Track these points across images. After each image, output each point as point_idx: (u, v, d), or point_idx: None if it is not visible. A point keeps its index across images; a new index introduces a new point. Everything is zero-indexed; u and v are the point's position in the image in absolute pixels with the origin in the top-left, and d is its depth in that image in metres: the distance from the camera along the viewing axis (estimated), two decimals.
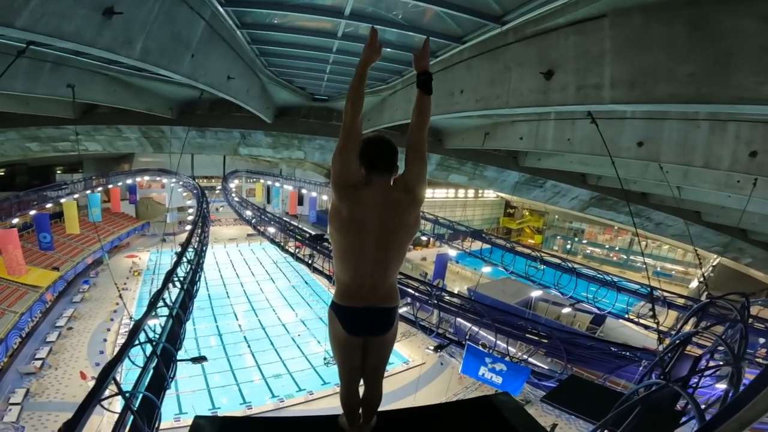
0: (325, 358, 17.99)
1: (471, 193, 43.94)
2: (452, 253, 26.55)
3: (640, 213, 20.88)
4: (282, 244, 21.70)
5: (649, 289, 13.57)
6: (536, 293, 20.52)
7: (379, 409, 2.37)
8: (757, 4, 3.96)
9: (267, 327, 21.63)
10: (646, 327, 15.33)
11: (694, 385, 5.36)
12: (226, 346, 19.40)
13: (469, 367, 10.27)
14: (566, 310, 18.48)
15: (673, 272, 36.41)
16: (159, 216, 36.33)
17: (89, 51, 6.28)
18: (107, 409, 3.94)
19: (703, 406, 4.20)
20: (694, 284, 31.67)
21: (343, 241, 1.94)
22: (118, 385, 4.08)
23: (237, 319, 22.51)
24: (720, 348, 5.91)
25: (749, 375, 5.53)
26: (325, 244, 17.20)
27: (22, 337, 17.53)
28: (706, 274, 24.45)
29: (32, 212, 22.52)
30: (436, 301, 11.87)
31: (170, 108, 19.82)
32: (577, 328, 19.05)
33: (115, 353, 5.18)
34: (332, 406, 14.27)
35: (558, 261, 19.13)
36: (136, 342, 5.32)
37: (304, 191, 35.33)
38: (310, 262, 17.99)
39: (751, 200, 11.17)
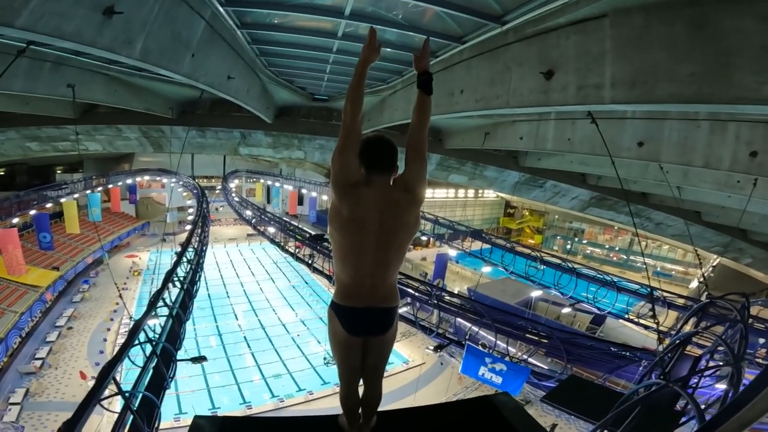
0: (325, 358, 17.98)
1: (471, 193, 43.94)
2: (452, 253, 26.54)
3: (640, 213, 20.88)
4: (282, 244, 21.70)
5: (649, 289, 13.58)
6: (536, 293, 20.51)
7: (379, 409, 2.37)
8: (757, 4, 3.96)
9: (267, 327, 21.63)
10: (646, 327, 15.32)
11: (694, 386, 5.35)
12: (226, 346, 19.40)
13: (469, 367, 10.27)
14: (566, 310, 18.48)
15: (673, 272, 36.41)
16: (159, 216, 36.33)
17: (89, 51, 6.28)
18: (107, 409, 3.94)
19: (702, 407, 4.20)
20: (694, 284, 31.68)
21: (343, 240, 1.94)
22: (117, 384, 4.08)
23: (237, 319, 22.51)
24: (720, 348, 5.91)
25: (749, 375, 5.52)
26: (325, 244, 17.20)
27: (22, 336, 17.52)
28: (706, 274, 24.44)
29: (32, 212, 22.50)
30: (436, 301, 11.86)
31: (170, 108, 19.82)
32: (577, 328, 19.04)
33: (114, 353, 5.18)
34: (332, 406, 14.27)
35: (558, 261, 19.12)
36: (136, 342, 5.32)
37: (304, 191, 35.32)
38: (310, 262, 17.99)
39: (751, 200, 11.17)
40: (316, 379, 17.08)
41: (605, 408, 4.20)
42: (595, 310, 17.71)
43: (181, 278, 9.33)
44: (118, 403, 4.33)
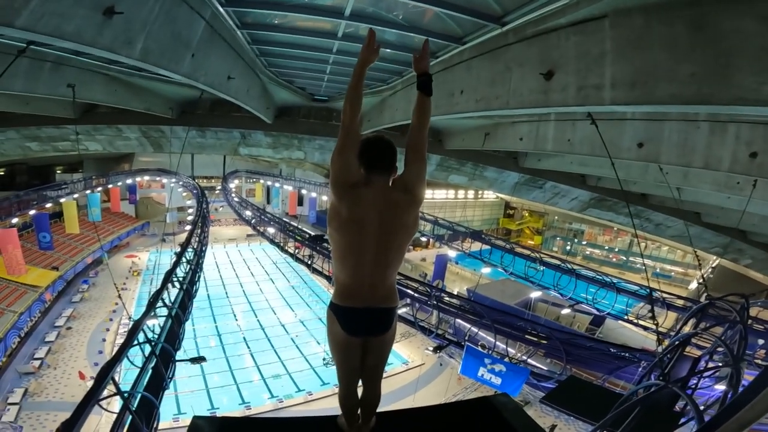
0: (324, 359, 17.97)
1: (471, 193, 43.96)
2: (452, 253, 26.52)
3: (640, 214, 20.88)
4: (281, 244, 21.70)
5: (648, 290, 13.57)
6: (536, 294, 20.52)
7: (379, 409, 2.37)
8: (757, 4, 3.97)
9: (266, 327, 21.62)
10: (646, 328, 15.34)
11: (694, 386, 5.35)
12: (225, 347, 19.39)
13: (468, 368, 10.27)
14: (566, 311, 18.49)
15: (673, 273, 36.42)
16: (159, 216, 36.32)
17: (89, 51, 6.28)
18: (106, 409, 3.94)
19: (702, 407, 4.20)
20: (694, 285, 31.68)
21: (343, 241, 1.94)
22: (116, 385, 4.08)
23: (236, 320, 22.50)
24: (719, 349, 5.90)
25: (748, 376, 5.52)
26: (325, 244, 17.20)
27: (21, 336, 17.50)
28: (705, 276, 24.45)
29: (32, 212, 22.50)
30: (435, 302, 11.86)
31: (170, 108, 19.82)
32: (576, 329, 19.04)
33: (114, 353, 5.17)
34: (331, 406, 14.25)
35: (557, 262, 19.15)
36: (135, 342, 5.32)
37: (303, 191, 35.34)
38: (309, 262, 17.99)
39: (751, 201, 11.16)
40: (315, 379, 17.07)
41: (604, 409, 4.20)
42: (595, 311, 17.74)
43: (181, 278, 9.33)
44: (116, 404, 4.33)
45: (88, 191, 27.24)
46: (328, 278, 16.60)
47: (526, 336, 10.68)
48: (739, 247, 21.94)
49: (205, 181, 38.55)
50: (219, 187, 35.92)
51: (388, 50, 10.17)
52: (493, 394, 2.78)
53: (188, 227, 19.72)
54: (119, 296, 13.33)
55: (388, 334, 2.08)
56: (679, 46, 4.63)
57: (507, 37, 7.39)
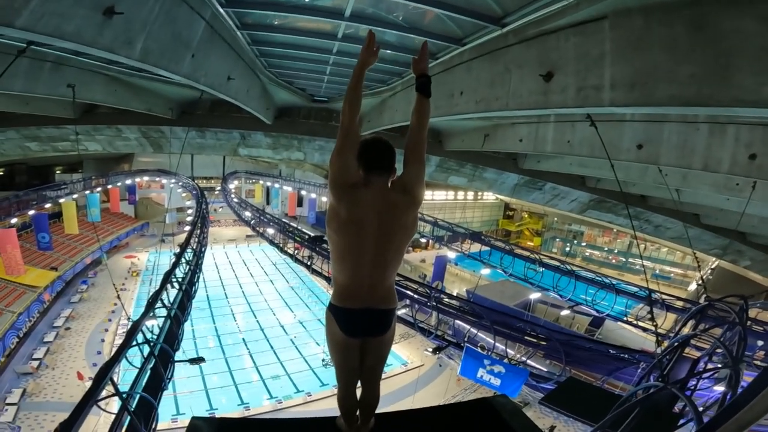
0: (323, 360, 17.95)
1: (470, 195, 43.96)
2: (451, 255, 26.52)
3: (639, 215, 20.88)
4: (281, 245, 21.68)
5: (647, 291, 13.57)
6: (535, 295, 20.51)
7: (378, 410, 2.37)
8: (757, 4, 3.97)
9: (265, 328, 21.60)
10: (645, 329, 15.32)
11: (693, 388, 5.35)
12: (225, 347, 19.37)
13: (467, 369, 10.27)
14: (565, 312, 18.47)
15: (672, 275, 36.42)
16: (158, 216, 36.32)
17: (89, 51, 6.27)
18: (104, 410, 3.93)
19: (701, 409, 4.20)
20: (693, 287, 31.71)
21: (341, 242, 1.94)
22: (115, 385, 4.07)
23: (235, 320, 22.48)
24: (718, 350, 5.90)
25: (747, 377, 5.52)
26: (324, 245, 17.19)
27: (19, 337, 17.48)
28: (704, 277, 24.47)
29: (31, 212, 22.47)
30: (435, 303, 11.86)
31: (170, 108, 19.81)
32: (575, 330, 19.04)
33: (112, 354, 5.16)
34: (330, 407, 14.23)
35: (557, 263, 19.12)
36: (134, 342, 5.31)
37: (303, 192, 35.33)
38: (308, 263, 17.98)
39: (750, 203, 11.17)
40: (314, 380, 17.05)
41: (604, 410, 4.20)
42: (594, 313, 17.71)
43: (180, 279, 9.32)
44: (115, 404, 4.32)
45: (87, 191, 27.23)
46: (327, 279, 16.60)
47: (526, 337, 10.69)
48: (739, 248, 21.95)
49: (204, 181, 38.57)
50: (218, 188, 35.92)
51: (388, 51, 10.18)
52: (493, 395, 2.78)
53: (187, 228, 19.70)
54: (118, 297, 13.30)
55: (387, 335, 2.07)
56: (679, 46, 4.63)
57: (507, 38, 7.39)
